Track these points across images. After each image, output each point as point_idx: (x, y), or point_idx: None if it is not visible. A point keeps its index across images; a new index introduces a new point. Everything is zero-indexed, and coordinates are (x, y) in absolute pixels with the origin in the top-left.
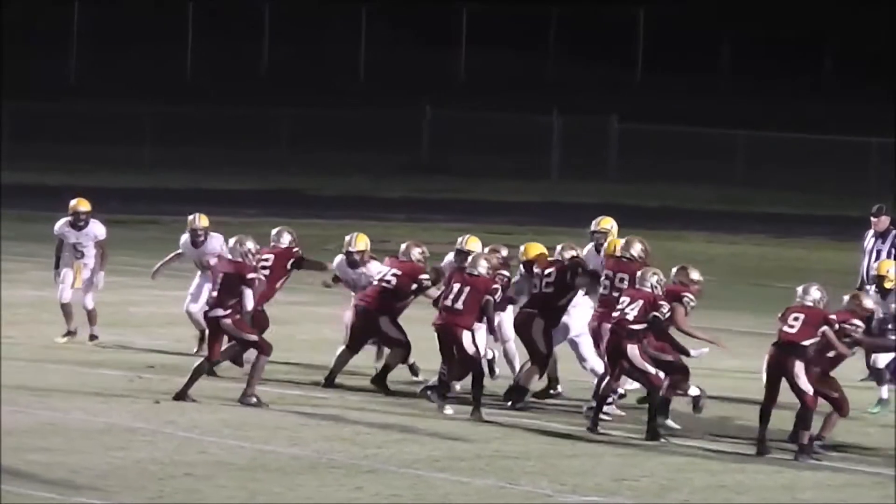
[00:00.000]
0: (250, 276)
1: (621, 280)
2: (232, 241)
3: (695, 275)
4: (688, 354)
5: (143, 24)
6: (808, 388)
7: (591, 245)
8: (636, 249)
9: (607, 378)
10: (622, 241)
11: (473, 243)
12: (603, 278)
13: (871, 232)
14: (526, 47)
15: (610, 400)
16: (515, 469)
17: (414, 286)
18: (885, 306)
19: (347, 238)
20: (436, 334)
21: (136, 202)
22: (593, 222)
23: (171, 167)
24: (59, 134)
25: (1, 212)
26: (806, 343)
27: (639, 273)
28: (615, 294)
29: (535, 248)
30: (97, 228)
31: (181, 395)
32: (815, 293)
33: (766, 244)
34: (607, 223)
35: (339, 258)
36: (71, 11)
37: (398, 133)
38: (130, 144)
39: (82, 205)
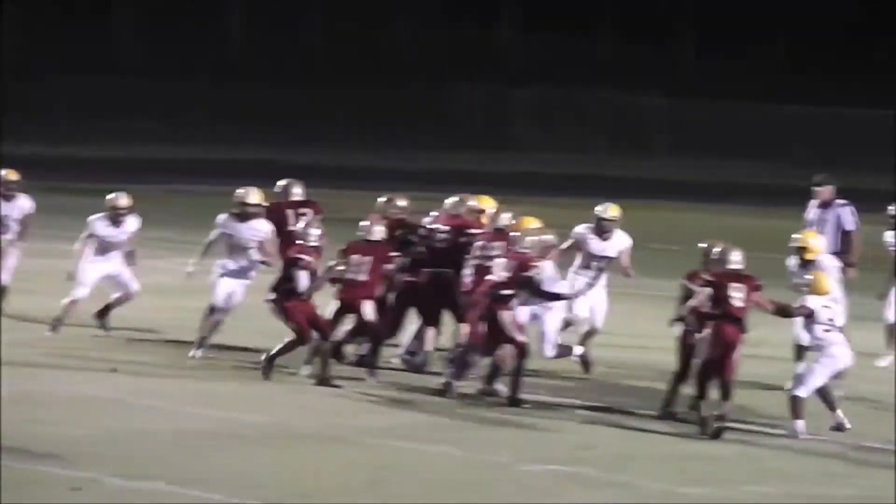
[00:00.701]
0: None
1: (491, 249)
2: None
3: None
4: (568, 298)
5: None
6: None
7: (590, 225)
8: (504, 220)
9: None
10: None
11: (614, 212)
12: (478, 250)
13: (814, 202)
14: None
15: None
16: (477, 438)
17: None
18: (803, 277)
19: (242, 191)
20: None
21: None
22: (600, 208)
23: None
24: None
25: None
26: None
27: (515, 235)
28: (487, 264)
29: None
30: (24, 202)
31: (324, 382)
32: (739, 256)
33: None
34: (615, 211)
35: (223, 216)
36: None
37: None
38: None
39: (11, 175)
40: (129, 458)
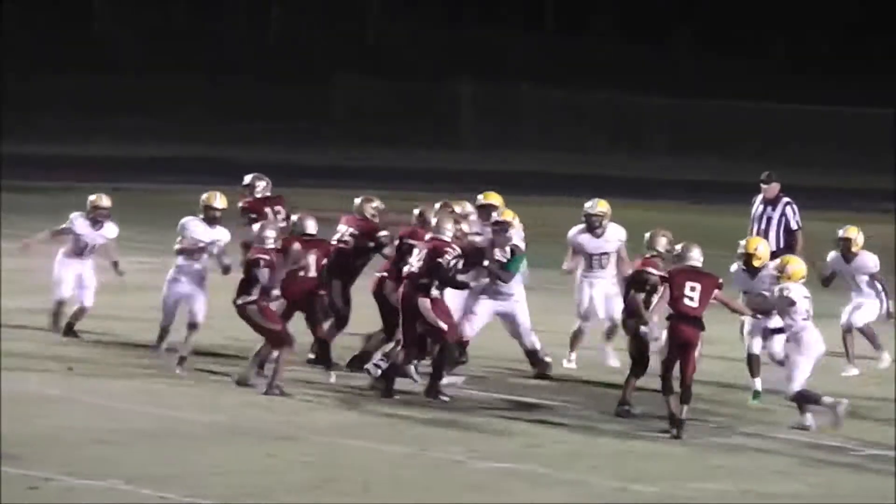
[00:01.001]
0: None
1: (409, 245)
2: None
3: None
4: (470, 288)
5: None
6: None
7: (581, 225)
8: (422, 217)
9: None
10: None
11: (602, 207)
12: (398, 246)
13: (760, 198)
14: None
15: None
16: (428, 436)
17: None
18: (754, 285)
19: (206, 196)
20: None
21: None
22: (589, 204)
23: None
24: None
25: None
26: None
27: (434, 222)
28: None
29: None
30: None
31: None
32: (698, 253)
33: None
34: (603, 206)
35: (188, 218)
36: None
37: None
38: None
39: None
40: (84, 457)
